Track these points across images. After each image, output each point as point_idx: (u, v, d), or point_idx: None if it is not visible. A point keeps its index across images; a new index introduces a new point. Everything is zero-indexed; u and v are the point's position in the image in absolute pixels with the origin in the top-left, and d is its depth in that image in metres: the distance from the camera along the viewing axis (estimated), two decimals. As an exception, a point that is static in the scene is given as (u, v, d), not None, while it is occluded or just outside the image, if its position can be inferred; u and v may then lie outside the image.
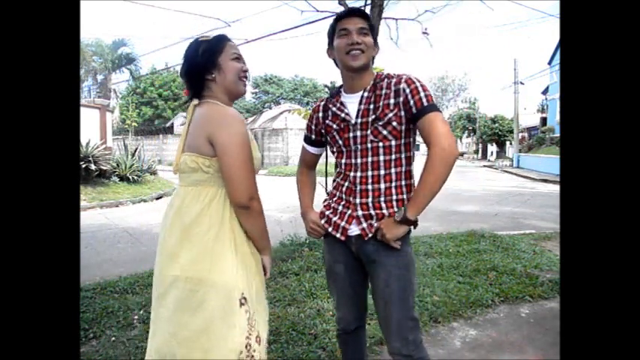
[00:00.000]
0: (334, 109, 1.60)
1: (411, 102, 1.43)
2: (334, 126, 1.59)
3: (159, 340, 1.30)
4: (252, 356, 1.27)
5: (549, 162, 17.91)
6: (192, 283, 1.25)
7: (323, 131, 1.66)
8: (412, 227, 1.48)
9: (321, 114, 1.67)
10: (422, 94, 1.43)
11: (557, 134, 22.00)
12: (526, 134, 29.51)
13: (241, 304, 1.26)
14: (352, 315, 1.71)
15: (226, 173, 1.28)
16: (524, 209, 8.48)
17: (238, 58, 1.42)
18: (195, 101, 1.41)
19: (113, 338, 2.57)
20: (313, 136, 1.72)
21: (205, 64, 1.37)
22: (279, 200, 8.84)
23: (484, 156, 34.73)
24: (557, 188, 12.30)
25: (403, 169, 1.52)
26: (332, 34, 1.55)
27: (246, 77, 1.45)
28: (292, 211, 7.18)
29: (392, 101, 1.47)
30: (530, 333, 2.72)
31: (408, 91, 1.44)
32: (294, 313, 2.88)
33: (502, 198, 10.29)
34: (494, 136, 32.81)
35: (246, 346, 1.25)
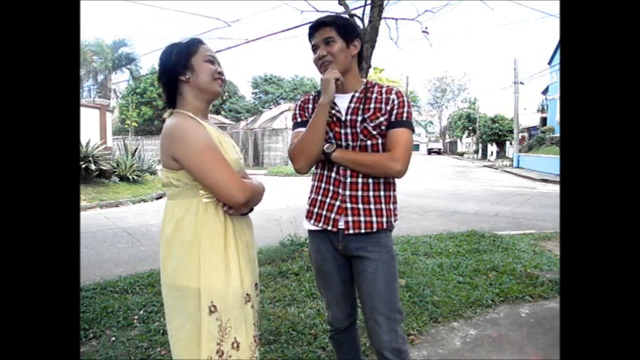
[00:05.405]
0: None
1: (395, 112, 1.56)
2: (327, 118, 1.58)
3: None
4: None
5: (549, 162, 17.90)
6: (174, 290, 1.32)
7: None
8: (389, 230, 1.60)
9: (311, 105, 1.67)
10: (405, 109, 1.57)
11: (557, 134, 22.00)
12: (526, 134, 29.45)
13: (211, 312, 1.27)
14: (344, 313, 1.74)
15: (206, 183, 1.29)
16: (524, 209, 8.48)
17: (212, 61, 1.40)
18: (167, 113, 1.41)
19: (113, 338, 2.57)
20: (305, 119, 1.65)
21: (177, 65, 1.36)
22: (279, 200, 8.84)
23: (484, 156, 34.65)
24: (557, 188, 12.30)
25: None
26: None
27: (221, 79, 1.43)
28: (292, 211, 7.18)
29: (383, 106, 1.57)
30: (530, 333, 2.72)
31: (396, 102, 1.57)
32: (294, 313, 2.88)
33: (502, 198, 10.28)
34: (494, 136, 32.76)
35: (217, 352, 1.28)
